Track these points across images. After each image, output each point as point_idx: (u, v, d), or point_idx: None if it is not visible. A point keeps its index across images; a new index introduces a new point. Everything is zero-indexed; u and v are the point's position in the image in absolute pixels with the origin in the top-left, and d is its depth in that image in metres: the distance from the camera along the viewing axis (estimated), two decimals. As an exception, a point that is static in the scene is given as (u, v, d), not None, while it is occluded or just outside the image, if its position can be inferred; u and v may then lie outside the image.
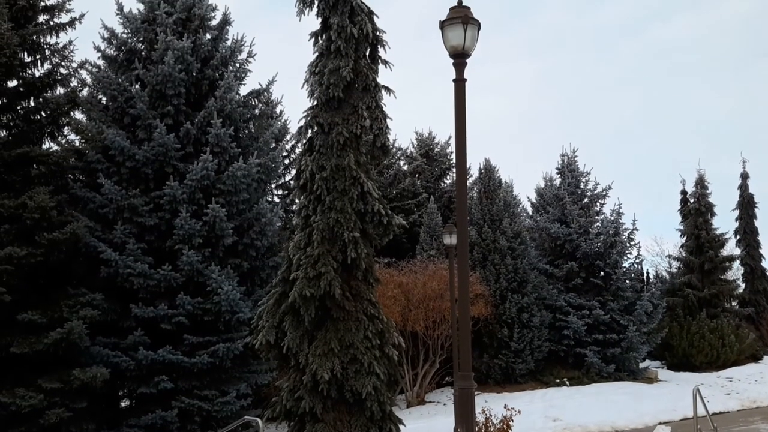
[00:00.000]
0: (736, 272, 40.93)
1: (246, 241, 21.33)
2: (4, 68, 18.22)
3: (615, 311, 29.92)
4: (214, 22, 22.50)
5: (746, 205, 41.30)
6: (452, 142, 33.86)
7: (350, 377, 13.41)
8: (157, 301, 19.43)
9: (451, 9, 9.53)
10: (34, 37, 19.40)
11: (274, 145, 24.78)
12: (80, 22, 20.16)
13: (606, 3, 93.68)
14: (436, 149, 38.67)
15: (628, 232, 31.85)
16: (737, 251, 40.80)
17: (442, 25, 9.52)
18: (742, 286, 40.93)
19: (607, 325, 29.52)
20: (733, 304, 39.65)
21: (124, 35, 21.76)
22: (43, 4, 19.97)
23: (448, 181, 38.05)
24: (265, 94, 24.35)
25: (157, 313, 19.10)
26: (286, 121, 32.04)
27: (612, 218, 31.64)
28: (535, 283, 29.39)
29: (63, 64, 19.95)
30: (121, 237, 19.63)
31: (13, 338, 17.06)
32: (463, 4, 9.56)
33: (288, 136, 31.63)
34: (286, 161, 32.03)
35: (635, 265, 32.96)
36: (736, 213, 41.63)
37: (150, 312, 19.09)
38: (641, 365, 30.50)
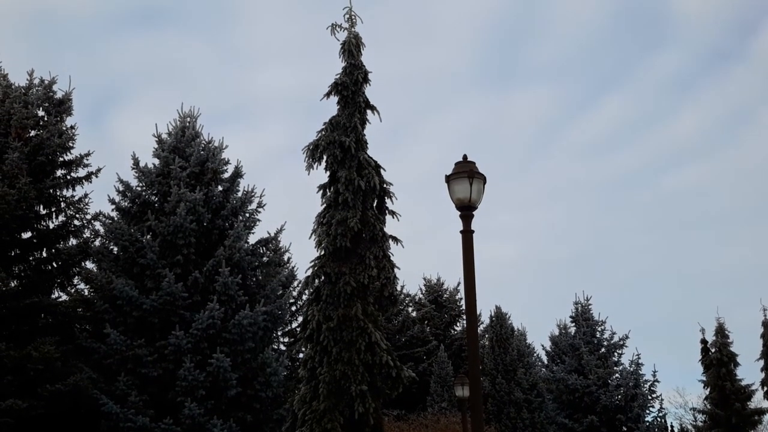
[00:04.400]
0: (767, 426, 38.87)
1: (250, 392, 20.65)
2: (20, 221, 18.61)
3: (640, 470, 28.29)
4: (226, 175, 23.18)
5: (771, 355, 39.91)
6: (461, 288, 33.69)
7: None
8: (156, 458, 18.49)
9: (457, 164, 9.65)
10: (51, 190, 20.00)
11: (281, 291, 24.64)
12: (97, 176, 20.91)
13: (614, 154, 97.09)
14: (445, 295, 38.37)
15: (648, 383, 30.88)
16: (766, 404, 38.98)
17: (448, 179, 9.61)
18: (777, 442, 38.71)
19: (633, 485, 27.82)
20: (768, 462, 37.29)
21: (139, 188, 22.34)
22: (61, 159, 20.78)
23: (458, 327, 37.41)
24: (274, 242, 24.57)
25: (155, 473, 18.11)
26: (293, 267, 32.02)
27: (631, 369, 30.78)
28: (554, 438, 28.05)
29: (77, 216, 20.47)
30: (124, 389, 19.08)
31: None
32: (468, 159, 9.69)
33: (295, 282, 31.52)
34: (293, 308, 31.71)
35: (658, 419, 31.60)
36: (761, 363, 40.16)
37: (148, 472, 18.12)
38: None
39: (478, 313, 9.99)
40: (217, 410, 19.60)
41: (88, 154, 21.50)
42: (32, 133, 20.60)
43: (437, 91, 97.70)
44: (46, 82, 21.62)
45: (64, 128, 21.25)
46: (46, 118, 21.32)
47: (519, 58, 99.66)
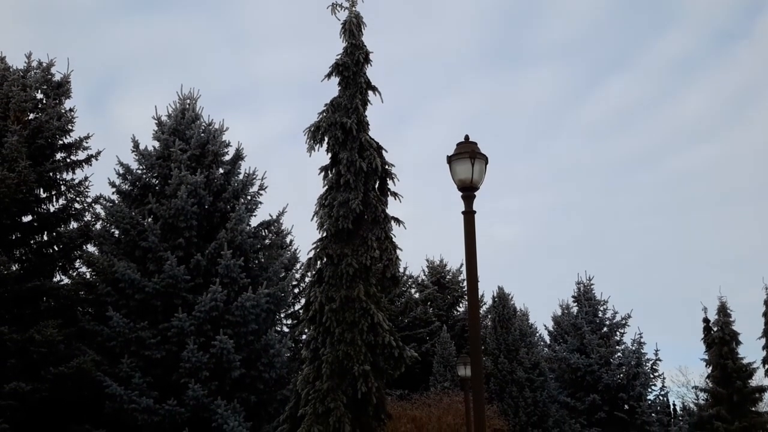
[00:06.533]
0: (768, 404, 39.01)
1: (254, 374, 20.74)
2: (21, 204, 18.57)
3: (642, 447, 28.49)
4: (227, 158, 23.09)
5: (772, 333, 39.95)
6: (464, 269, 33.70)
7: None
8: (161, 438, 18.62)
9: (458, 144, 9.56)
10: (51, 173, 19.93)
11: (283, 274, 24.65)
12: (97, 159, 20.83)
13: (619, 135, 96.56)
14: (448, 277, 38.34)
15: (651, 362, 31.02)
16: (767, 381, 39.08)
17: (450, 159, 9.53)
18: (776, 419, 38.85)
19: (634, 462, 28.03)
20: (768, 438, 37.50)
21: (139, 171, 22.25)
22: (61, 142, 20.68)
23: (461, 308, 37.44)
24: (276, 224, 24.51)
25: (160, 453, 18.24)
26: (296, 250, 32.02)
27: (633, 348, 30.89)
28: (556, 417, 28.17)
29: (78, 199, 20.41)
30: (127, 371, 19.18)
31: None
32: (471, 140, 9.60)
33: (298, 265, 31.52)
34: (296, 290, 31.74)
35: (660, 398, 31.76)
36: (762, 341, 40.25)
37: (152, 451, 18.26)
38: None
39: (480, 294, 10.00)
40: (221, 391, 19.70)
41: (87, 137, 21.42)
42: (31, 116, 20.49)
43: (441, 73, 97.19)
44: (45, 64, 21.45)
45: (63, 111, 21.13)
46: (44, 101, 21.18)
47: (524, 39, 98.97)
